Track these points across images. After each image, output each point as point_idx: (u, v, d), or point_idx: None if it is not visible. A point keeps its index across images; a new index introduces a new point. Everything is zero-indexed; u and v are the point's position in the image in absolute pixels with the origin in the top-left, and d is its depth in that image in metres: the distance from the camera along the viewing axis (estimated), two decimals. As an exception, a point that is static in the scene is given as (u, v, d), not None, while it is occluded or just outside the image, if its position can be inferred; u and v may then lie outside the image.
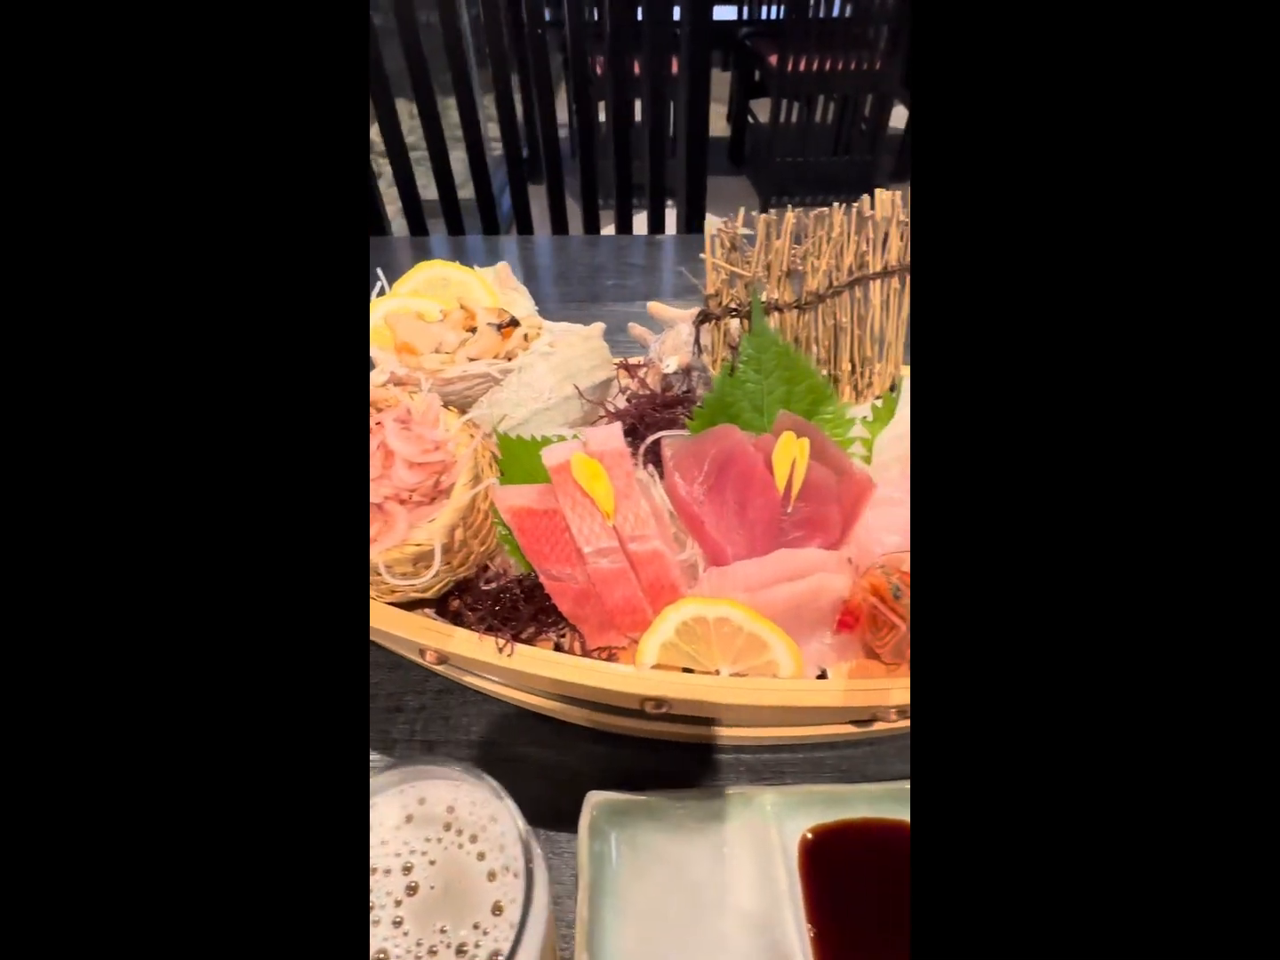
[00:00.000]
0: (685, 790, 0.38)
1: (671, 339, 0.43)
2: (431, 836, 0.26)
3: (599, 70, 1.98)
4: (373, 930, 0.24)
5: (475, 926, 0.24)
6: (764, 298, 0.39)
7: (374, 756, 0.42)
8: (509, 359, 0.40)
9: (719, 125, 3.38)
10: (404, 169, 0.99)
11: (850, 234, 0.39)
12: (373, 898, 0.25)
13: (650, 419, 0.41)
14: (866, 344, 0.42)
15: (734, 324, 0.40)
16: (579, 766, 0.42)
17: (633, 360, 0.44)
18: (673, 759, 0.41)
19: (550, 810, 0.40)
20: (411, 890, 0.25)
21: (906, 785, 0.38)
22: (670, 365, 0.42)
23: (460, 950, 0.24)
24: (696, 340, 0.41)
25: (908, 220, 0.39)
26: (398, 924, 0.24)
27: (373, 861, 0.26)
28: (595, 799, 0.37)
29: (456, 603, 0.38)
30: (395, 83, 0.93)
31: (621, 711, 0.39)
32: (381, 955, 0.24)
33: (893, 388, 0.42)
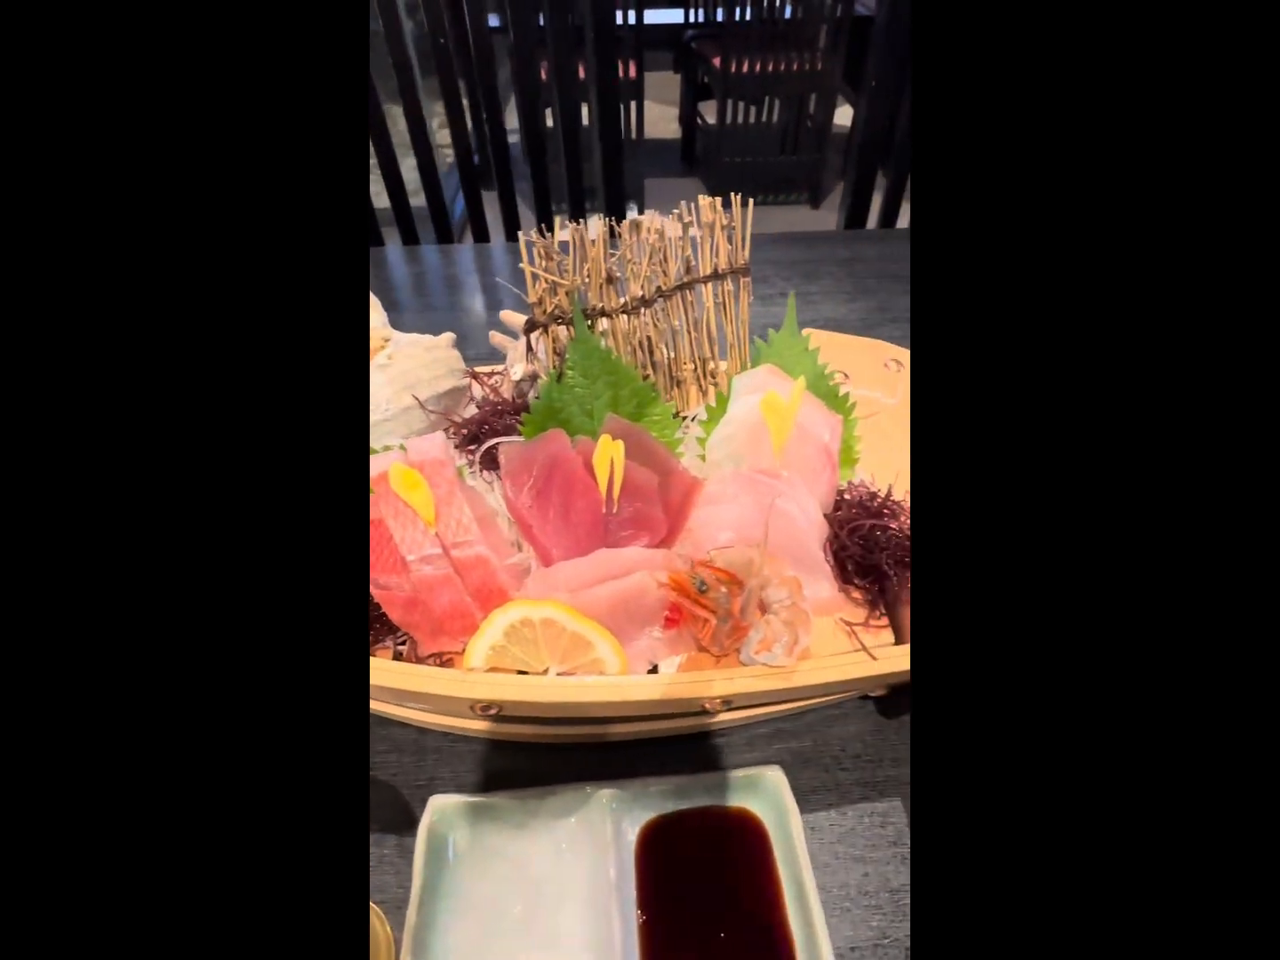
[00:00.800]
0: (529, 790, 0.39)
1: (520, 347, 0.44)
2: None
3: (544, 75, 1.99)
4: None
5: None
6: (588, 305, 0.40)
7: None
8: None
9: (671, 128, 3.39)
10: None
11: (681, 235, 0.40)
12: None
13: (494, 426, 0.42)
14: (705, 345, 0.43)
15: (563, 332, 0.41)
16: (435, 771, 0.42)
17: (485, 369, 0.45)
18: (529, 759, 0.42)
19: (404, 816, 0.40)
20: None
21: (743, 772, 0.39)
22: (518, 372, 0.43)
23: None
24: (529, 348, 0.42)
25: (734, 225, 0.40)
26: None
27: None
28: (436, 803, 0.37)
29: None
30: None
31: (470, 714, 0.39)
32: None
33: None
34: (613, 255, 0.40)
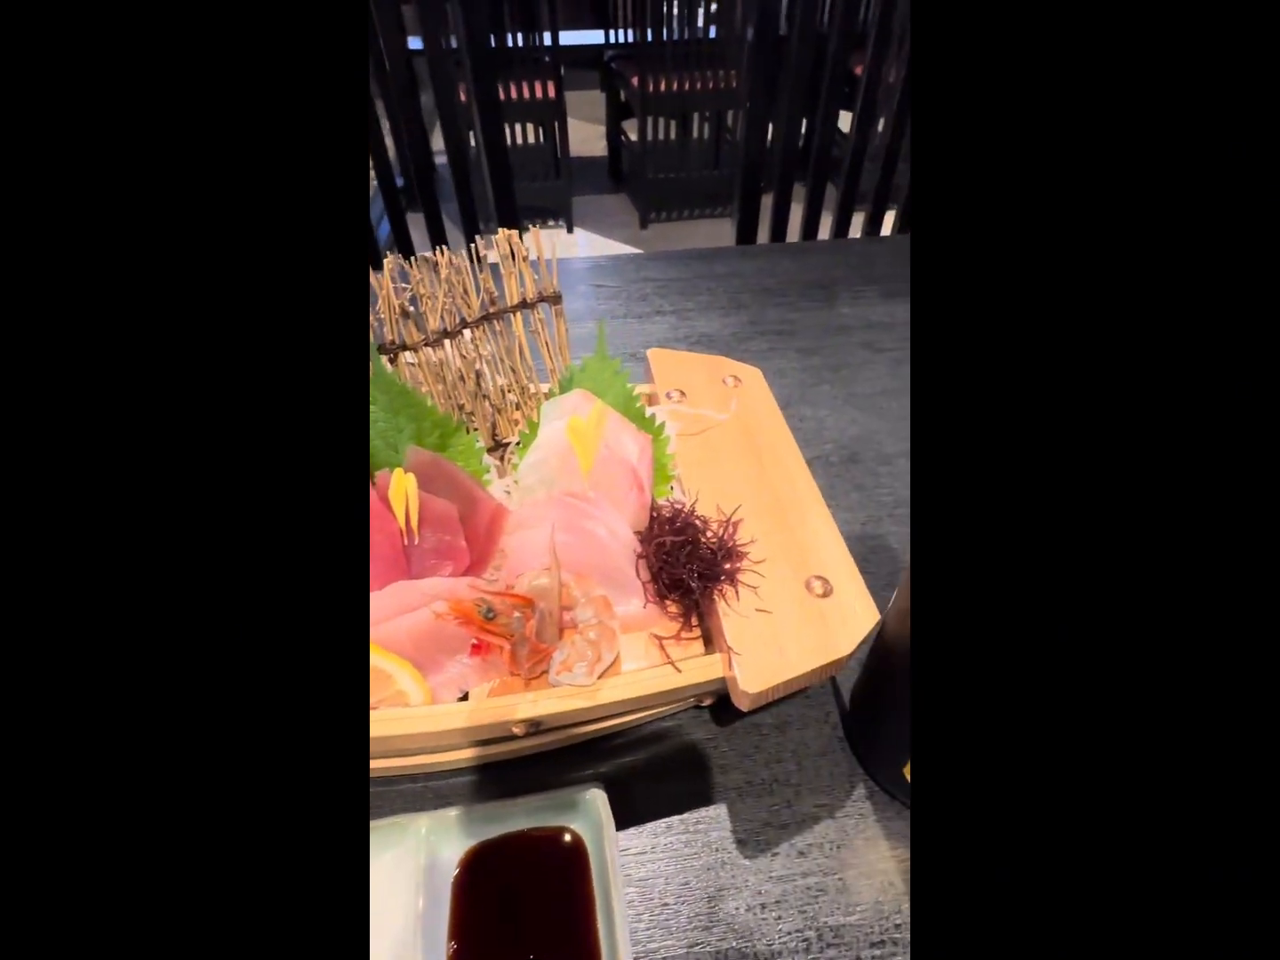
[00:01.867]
0: (348, 825, 0.39)
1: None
2: None
3: (463, 97, 1.99)
4: None
5: None
6: (383, 340, 0.41)
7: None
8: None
9: (599, 145, 3.43)
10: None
11: (467, 273, 0.41)
12: None
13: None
14: (521, 373, 0.44)
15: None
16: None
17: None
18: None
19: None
20: None
21: (565, 793, 0.39)
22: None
23: None
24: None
25: (536, 255, 0.42)
26: None
27: None
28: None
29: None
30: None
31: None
32: None
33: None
34: (405, 289, 0.41)
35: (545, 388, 0.45)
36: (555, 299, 0.45)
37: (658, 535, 0.41)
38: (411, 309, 0.41)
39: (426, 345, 0.42)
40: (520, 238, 0.44)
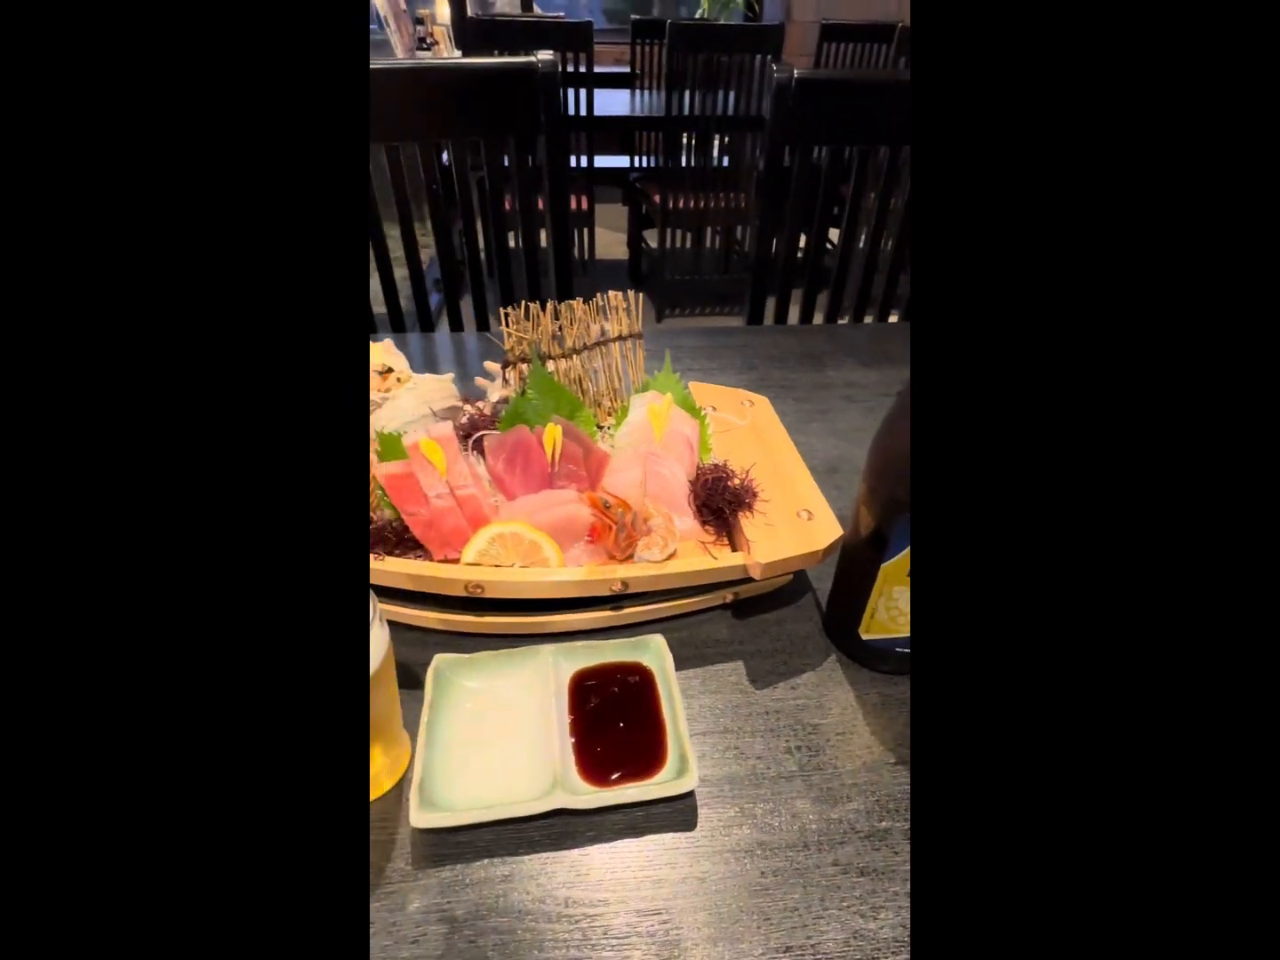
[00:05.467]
0: (499, 650, 0.60)
1: (497, 383, 0.69)
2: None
3: (507, 206, 2.37)
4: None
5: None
6: (541, 352, 0.66)
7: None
8: (385, 393, 0.64)
9: (619, 251, 3.85)
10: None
11: (591, 314, 0.67)
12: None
13: (479, 426, 0.66)
14: (614, 380, 0.69)
15: (524, 367, 0.66)
16: (435, 653, 0.63)
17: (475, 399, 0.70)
18: (496, 645, 0.63)
19: (415, 678, 0.60)
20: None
21: (638, 637, 0.60)
22: (494, 396, 0.68)
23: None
24: (503, 378, 0.66)
25: (628, 305, 0.67)
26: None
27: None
28: (437, 659, 0.58)
29: (350, 540, 0.60)
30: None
31: (459, 606, 0.61)
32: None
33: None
34: (555, 323, 0.66)
35: (629, 394, 0.70)
36: (638, 335, 0.70)
37: (702, 476, 0.64)
38: (559, 334, 0.66)
39: (563, 357, 0.67)
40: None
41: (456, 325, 1.38)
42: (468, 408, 0.69)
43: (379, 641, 0.45)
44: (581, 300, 0.66)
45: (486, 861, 0.48)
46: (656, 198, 2.95)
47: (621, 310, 0.68)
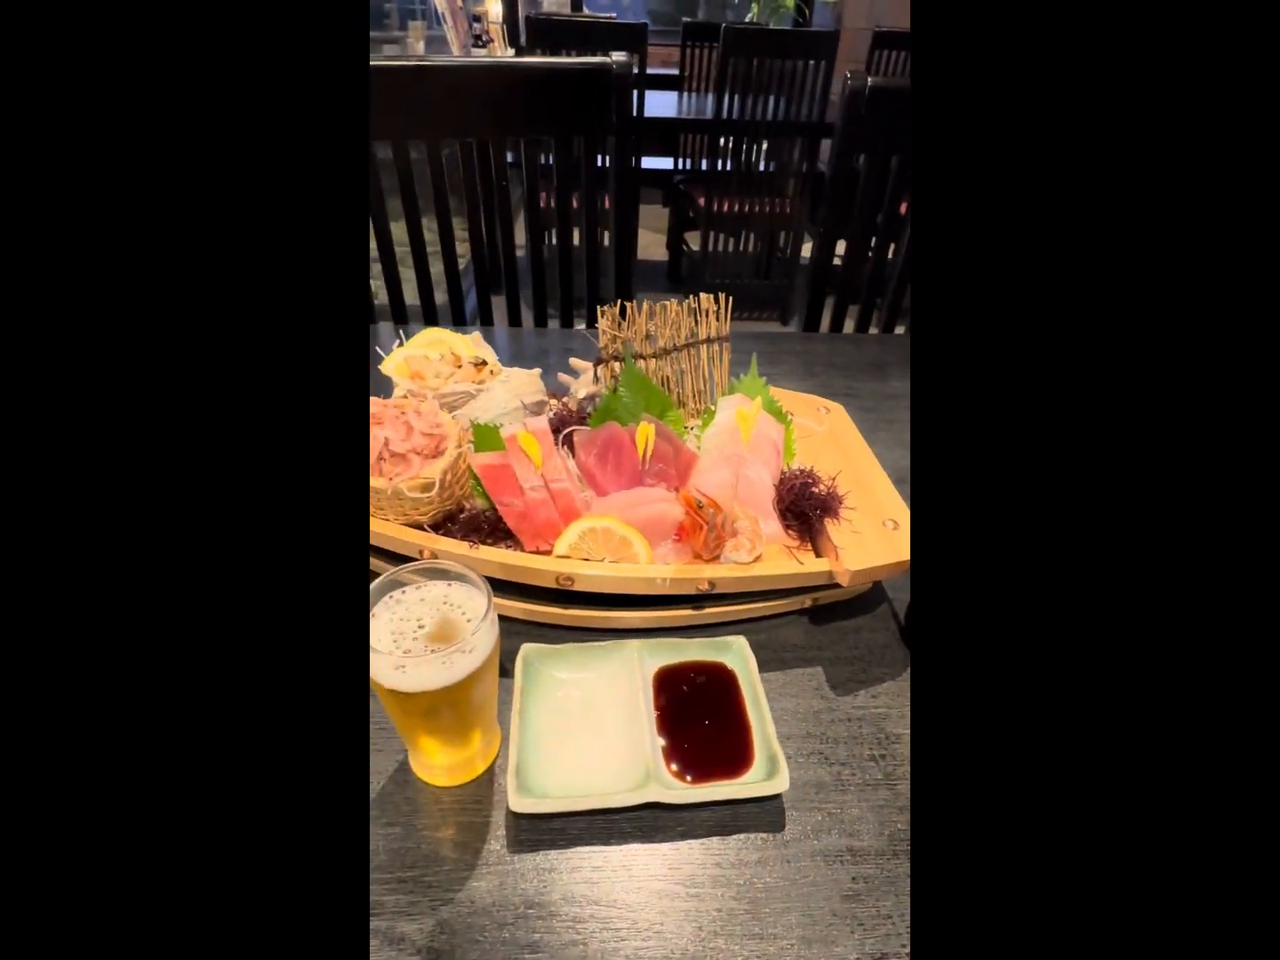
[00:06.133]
0: (583, 643, 0.60)
1: (584, 379, 0.70)
2: (434, 607, 0.48)
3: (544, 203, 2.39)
4: (406, 642, 0.46)
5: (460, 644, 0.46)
6: (635, 351, 0.67)
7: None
8: (479, 384, 0.66)
9: (660, 251, 3.86)
10: (393, 274, 1.27)
11: (683, 316, 0.67)
12: (404, 634, 0.47)
13: (568, 422, 0.67)
14: (700, 381, 0.69)
15: (616, 365, 0.67)
16: (522, 641, 0.63)
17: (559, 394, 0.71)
18: (579, 637, 0.64)
19: (506, 667, 0.61)
20: (421, 627, 0.47)
21: (721, 638, 0.61)
22: (581, 393, 0.69)
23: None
24: (595, 376, 0.67)
25: (718, 308, 0.68)
26: (415, 640, 0.46)
27: (401, 623, 0.48)
28: (525, 648, 0.59)
29: (441, 528, 0.62)
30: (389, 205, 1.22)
31: (544, 597, 0.61)
32: (407, 651, 0.46)
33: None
34: (651, 322, 0.67)
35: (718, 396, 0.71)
36: (725, 339, 0.70)
37: (788, 481, 0.64)
38: (652, 334, 0.67)
39: (653, 357, 0.67)
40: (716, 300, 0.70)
41: (487, 320, 1.39)
42: (553, 402, 0.70)
43: (488, 635, 0.46)
44: (676, 301, 0.67)
45: (581, 850, 0.49)
46: (701, 200, 2.95)
47: (711, 313, 0.69)
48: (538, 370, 0.70)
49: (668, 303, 0.67)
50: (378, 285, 1.36)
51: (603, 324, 0.66)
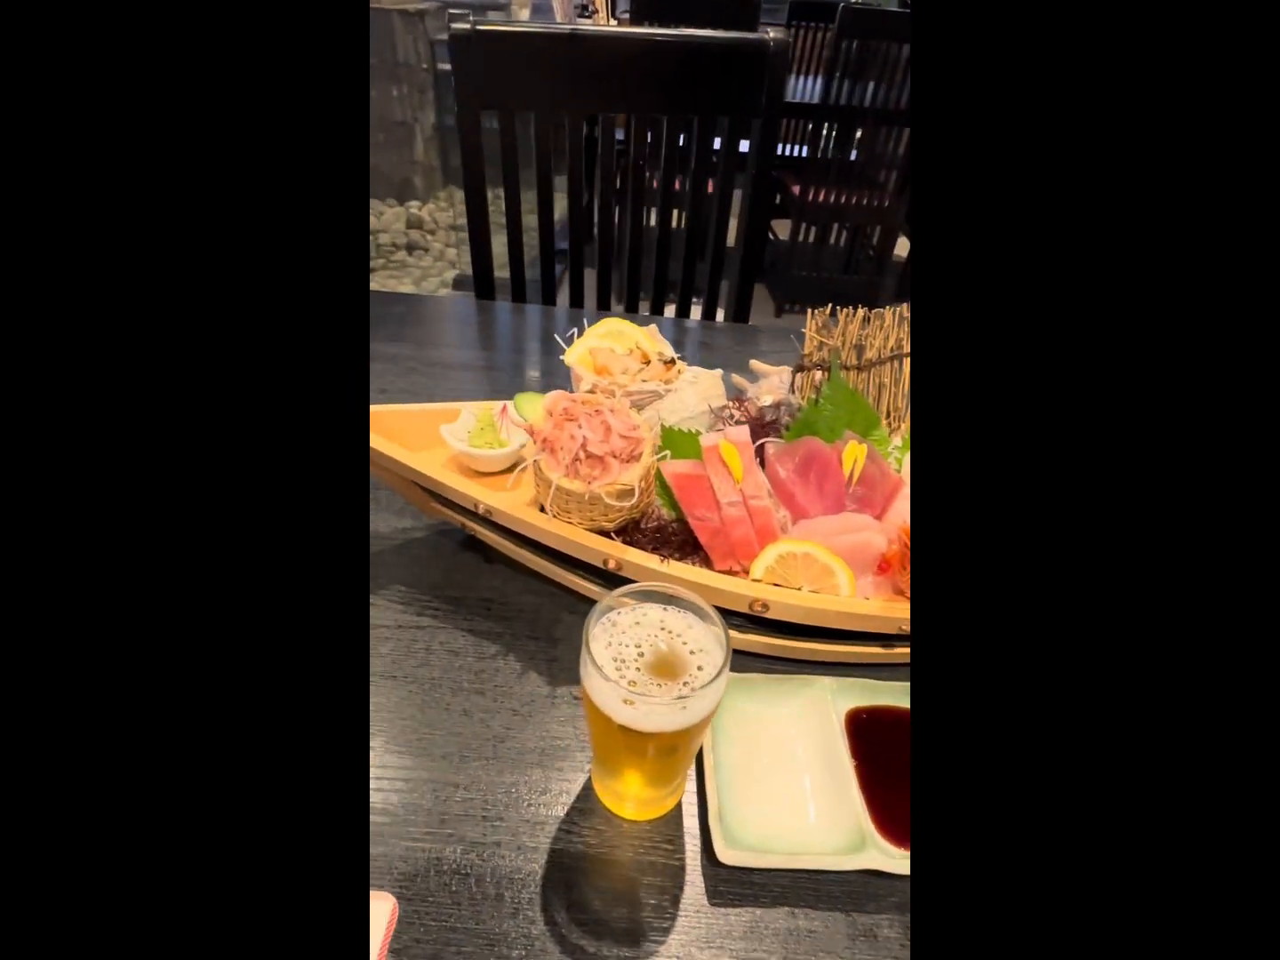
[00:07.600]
0: (772, 674, 0.56)
1: (767, 384, 0.65)
2: (651, 632, 0.44)
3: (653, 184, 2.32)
4: (629, 672, 0.42)
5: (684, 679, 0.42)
6: (841, 361, 0.61)
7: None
8: (667, 384, 0.61)
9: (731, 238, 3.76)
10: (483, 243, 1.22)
11: (894, 326, 0.62)
12: (625, 660, 0.43)
13: (756, 433, 0.62)
14: (899, 398, 0.64)
15: (817, 374, 0.61)
16: (689, 665, 0.59)
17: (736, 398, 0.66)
18: (764, 664, 0.59)
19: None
20: (641, 655, 0.43)
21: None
22: (766, 400, 0.64)
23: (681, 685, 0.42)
24: (792, 384, 0.62)
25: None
26: (638, 670, 0.42)
27: (619, 649, 0.44)
28: (710, 673, 0.55)
29: (625, 536, 0.58)
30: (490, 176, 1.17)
31: (732, 621, 0.57)
32: (632, 684, 0.42)
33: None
34: (862, 330, 0.62)
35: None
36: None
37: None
38: (862, 343, 0.61)
39: (857, 369, 0.62)
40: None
41: (577, 301, 1.34)
42: (732, 408, 0.65)
43: (725, 677, 0.41)
44: (891, 308, 0.61)
45: (786, 911, 0.45)
46: (795, 189, 2.85)
47: (907, 323, 0.63)
48: (719, 371, 0.65)
49: (883, 310, 0.61)
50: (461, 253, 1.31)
51: (810, 329, 0.61)
